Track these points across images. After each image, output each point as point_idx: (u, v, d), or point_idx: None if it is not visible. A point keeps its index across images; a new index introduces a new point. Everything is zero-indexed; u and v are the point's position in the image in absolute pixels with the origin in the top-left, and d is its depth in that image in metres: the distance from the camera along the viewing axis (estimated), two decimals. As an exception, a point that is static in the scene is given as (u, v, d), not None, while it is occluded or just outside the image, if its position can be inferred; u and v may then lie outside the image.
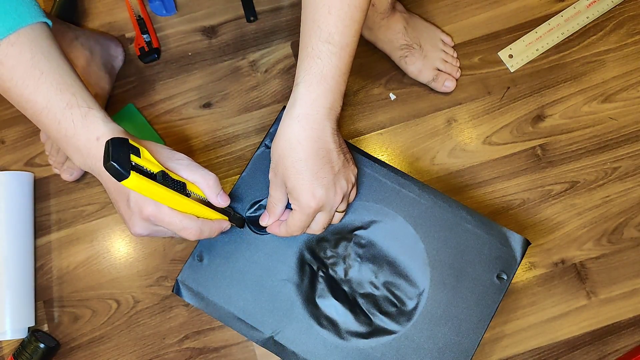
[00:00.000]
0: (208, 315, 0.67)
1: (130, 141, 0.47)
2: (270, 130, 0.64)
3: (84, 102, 0.50)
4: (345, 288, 0.62)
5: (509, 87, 0.83)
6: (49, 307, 0.81)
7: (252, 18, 0.87)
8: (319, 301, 0.61)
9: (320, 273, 0.61)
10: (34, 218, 0.83)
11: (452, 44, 0.84)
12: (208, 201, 0.55)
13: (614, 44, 0.84)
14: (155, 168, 0.49)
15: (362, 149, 0.71)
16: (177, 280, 0.61)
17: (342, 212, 0.58)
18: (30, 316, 0.79)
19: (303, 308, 0.60)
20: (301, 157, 0.51)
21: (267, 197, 0.62)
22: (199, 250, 0.61)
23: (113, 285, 0.81)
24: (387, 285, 0.61)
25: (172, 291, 0.61)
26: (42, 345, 0.76)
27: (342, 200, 0.56)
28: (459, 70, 0.83)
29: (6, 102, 0.87)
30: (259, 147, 0.64)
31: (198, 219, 0.53)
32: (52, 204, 0.84)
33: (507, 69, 0.84)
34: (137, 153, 0.47)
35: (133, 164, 0.46)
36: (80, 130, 0.50)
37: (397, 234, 0.62)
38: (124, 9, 0.89)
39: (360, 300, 0.61)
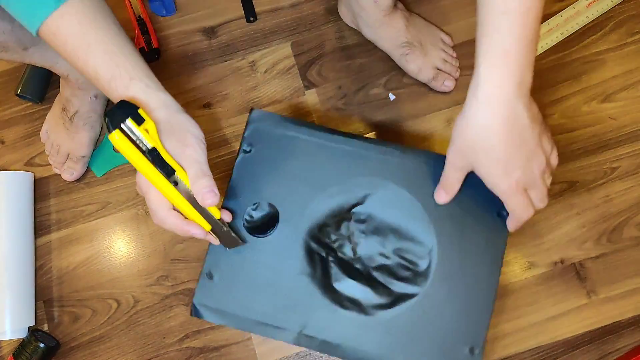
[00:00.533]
0: (233, 328, 0.68)
1: (140, 111, 0.49)
2: (244, 135, 0.64)
3: (126, 72, 0.51)
4: (358, 266, 0.62)
5: (508, 87, 0.83)
6: (49, 307, 0.81)
7: (252, 18, 0.88)
8: (336, 285, 0.61)
9: (330, 258, 0.62)
10: (34, 218, 0.83)
11: (452, 44, 0.85)
12: (195, 199, 0.53)
13: (614, 44, 0.84)
14: (151, 142, 0.50)
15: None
16: (193, 303, 0.61)
17: (550, 178, 0.56)
18: (30, 316, 0.79)
19: (323, 296, 0.60)
20: (494, 143, 0.49)
21: (261, 201, 0.62)
22: (207, 269, 0.61)
23: (113, 285, 0.81)
24: (396, 252, 0.62)
25: (191, 315, 0.61)
26: (42, 345, 0.76)
27: (544, 172, 0.54)
28: (459, 70, 0.83)
29: (6, 102, 0.87)
30: (238, 154, 0.64)
31: (170, 210, 0.52)
32: (52, 204, 0.84)
33: (507, 68, 0.84)
34: (139, 121, 0.49)
35: (130, 127, 0.49)
36: None
37: (392, 200, 0.62)
38: (124, 9, 0.89)
39: (375, 274, 0.62)
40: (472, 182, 0.60)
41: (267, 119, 0.64)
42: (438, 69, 0.82)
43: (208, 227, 0.56)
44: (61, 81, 0.80)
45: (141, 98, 0.51)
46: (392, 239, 0.62)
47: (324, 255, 0.62)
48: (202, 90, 0.86)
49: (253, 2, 0.88)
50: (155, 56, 0.86)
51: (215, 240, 0.57)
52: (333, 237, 0.62)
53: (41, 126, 0.85)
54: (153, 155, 0.50)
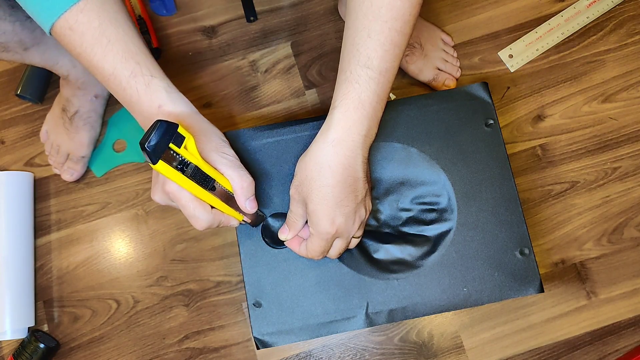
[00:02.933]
0: (303, 341, 0.66)
1: (180, 129, 0.47)
2: None
3: (147, 70, 0.51)
4: (387, 230, 0.63)
5: (509, 87, 0.83)
6: (49, 307, 0.81)
7: (252, 18, 0.87)
8: (376, 256, 0.62)
9: None
10: (34, 218, 0.83)
11: (452, 44, 0.84)
12: (232, 196, 0.54)
13: (614, 44, 0.84)
14: (193, 160, 0.49)
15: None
16: (255, 337, 0.61)
17: (358, 237, 0.58)
18: (30, 316, 0.79)
19: (369, 271, 0.61)
20: (329, 183, 0.50)
21: (268, 217, 0.62)
22: (252, 299, 0.62)
23: (113, 285, 0.81)
24: (414, 201, 0.64)
25: (257, 349, 0.61)
26: (42, 345, 0.76)
27: (359, 228, 0.55)
28: (459, 69, 0.83)
29: (6, 102, 0.87)
30: None
31: (211, 212, 0.52)
32: (52, 204, 0.84)
33: (507, 69, 0.84)
34: (180, 142, 0.48)
35: (171, 151, 0.47)
36: (143, 98, 0.51)
37: (388, 157, 0.64)
38: (124, 9, 0.89)
39: (406, 229, 0.63)
40: (452, 112, 0.63)
41: (240, 137, 0.65)
42: (439, 69, 0.82)
43: (240, 217, 0.57)
44: (61, 81, 0.80)
45: (163, 97, 0.52)
46: (405, 191, 0.64)
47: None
48: (202, 90, 0.86)
49: (253, 1, 0.88)
50: (155, 56, 0.86)
51: (237, 223, 0.57)
52: None
53: (41, 126, 0.85)
54: (195, 174, 0.49)
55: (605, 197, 0.80)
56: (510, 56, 0.84)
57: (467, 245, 0.61)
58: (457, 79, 0.83)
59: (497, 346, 0.76)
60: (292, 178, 0.63)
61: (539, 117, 0.82)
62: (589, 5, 0.85)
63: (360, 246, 0.62)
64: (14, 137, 0.86)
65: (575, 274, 0.78)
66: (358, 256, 0.62)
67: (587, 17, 0.84)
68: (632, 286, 0.77)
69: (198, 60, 0.87)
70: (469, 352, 0.76)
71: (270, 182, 0.63)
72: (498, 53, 0.84)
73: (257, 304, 0.61)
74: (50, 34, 0.50)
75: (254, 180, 0.55)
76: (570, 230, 0.79)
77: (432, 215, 0.63)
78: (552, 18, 0.85)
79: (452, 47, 0.84)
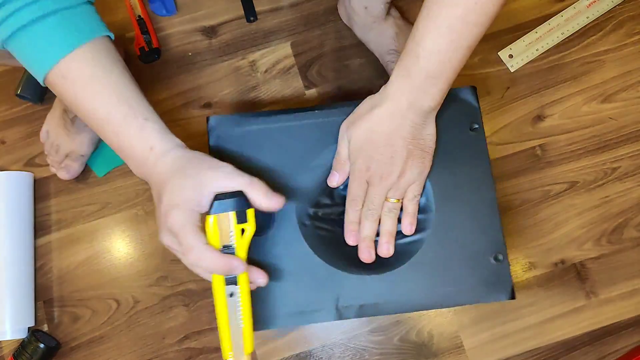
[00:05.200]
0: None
1: (248, 212, 0.51)
2: (210, 144, 0.63)
3: (140, 114, 0.52)
4: None
5: (509, 87, 0.83)
6: (49, 307, 0.81)
7: (252, 18, 0.87)
8: (350, 250, 0.62)
9: (337, 229, 0.62)
10: (34, 218, 0.83)
11: None
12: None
13: (614, 44, 0.84)
14: (238, 244, 0.51)
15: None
16: None
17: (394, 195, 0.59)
18: (30, 316, 0.79)
19: (342, 265, 0.61)
20: (375, 129, 0.55)
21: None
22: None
23: (113, 285, 0.81)
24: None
25: None
26: (42, 345, 0.76)
27: (386, 181, 0.57)
28: None
29: (6, 102, 0.87)
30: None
31: (220, 254, 0.50)
32: (52, 204, 0.84)
33: (507, 69, 0.84)
34: (241, 219, 0.51)
35: (229, 219, 0.50)
36: (135, 141, 0.52)
37: None
38: (124, 9, 0.89)
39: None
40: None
41: (225, 123, 0.64)
42: None
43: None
44: (61, 82, 0.80)
45: (156, 138, 0.52)
46: None
47: (329, 229, 0.62)
48: (202, 90, 0.86)
49: (253, 2, 0.88)
50: (155, 56, 0.86)
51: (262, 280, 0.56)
52: (330, 209, 0.63)
53: (41, 126, 0.85)
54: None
55: (604, 197, 0.80)
56: (510, 56, 0.84)
57: (442, 247, 0.60)
58: None
59: (496, 346, 0.76)
60: (276, 169, 0.63)
61: (539, 117, 0.82)
62: (589, 5, 0.85)
63: (336, 239, 0.62)
64: (14, 137, 0.86)
65: (574, 274, 0.78)
66: (332, 249, 0.62)
67: (587, 17, 0.84)
68: (631, 286, 0.77)
69: (198, 60, 0.87)
70: (469, 352, 0.77)
71: (251, 172, 0.62)
72: (498, 53, 0.84)
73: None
74: (44, 83, 0.51)
75: (240, 169, 0.55)
76: (569, 230, 0.79)
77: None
78: (552, 18, 0.85)
79: None
